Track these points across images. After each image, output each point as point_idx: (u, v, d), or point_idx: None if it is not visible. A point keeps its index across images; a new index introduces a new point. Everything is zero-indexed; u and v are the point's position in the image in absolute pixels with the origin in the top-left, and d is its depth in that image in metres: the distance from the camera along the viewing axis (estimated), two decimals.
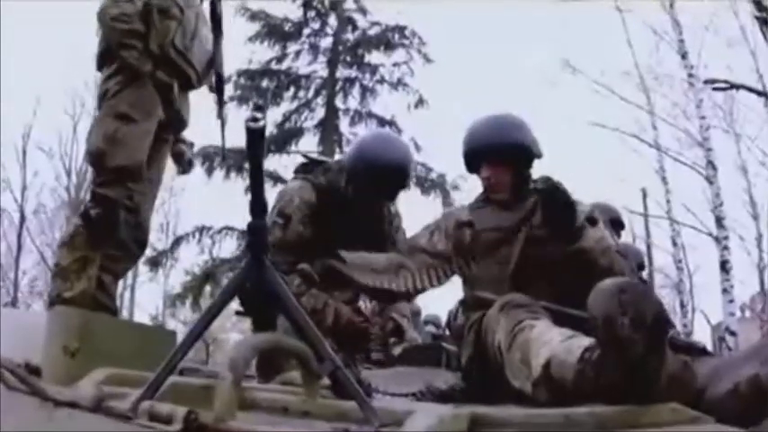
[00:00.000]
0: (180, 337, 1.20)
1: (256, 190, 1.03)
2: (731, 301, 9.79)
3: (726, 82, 8.55)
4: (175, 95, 2.59)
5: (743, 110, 13.26)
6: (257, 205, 1.02)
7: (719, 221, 10.10)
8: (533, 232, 2.03)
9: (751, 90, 8.11)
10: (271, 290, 1.02)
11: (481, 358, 1.73)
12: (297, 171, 2.79)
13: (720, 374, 1.24)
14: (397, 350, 2.79)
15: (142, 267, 15.99)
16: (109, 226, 2.46)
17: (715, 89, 8.45)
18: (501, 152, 2.12)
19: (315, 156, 3.41)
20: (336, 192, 2.63)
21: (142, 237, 2.65)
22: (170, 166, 2.81)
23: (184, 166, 2.87)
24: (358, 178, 2.58)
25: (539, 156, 2.17)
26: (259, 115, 0.95)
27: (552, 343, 1.36)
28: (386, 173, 2.55)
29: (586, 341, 1.27)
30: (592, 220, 2.01)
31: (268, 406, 1.19)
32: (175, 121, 2.67)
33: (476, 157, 2.16)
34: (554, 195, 1.84)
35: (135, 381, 1.18)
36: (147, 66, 2.45)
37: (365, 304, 2.85)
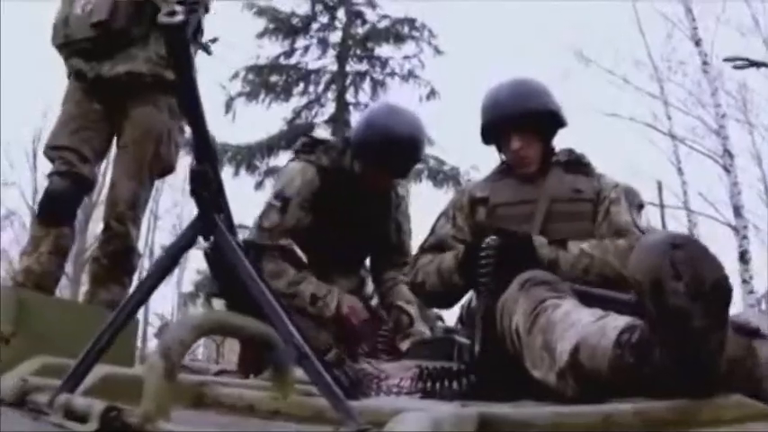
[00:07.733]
0: None
1: (195, 120, 0.79)
2: (751, 292, 9.43)
3: (745, 59, 8.19)
4: None
5: (756, 99, 12.90)
6: (201, 144, 0.79)
7: (737, 210, 9.76)
8: (556, 207, 1.82)
9: None
10: (221, 255, 0.80)
11: (496, 346, 1.45)
12: (297, 151, 2.54)
13: None
14: (404, 345, 2.55)
15: None
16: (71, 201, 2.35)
17: (735, 68, 8.09)
18: (532, 121, 1.90)
19: (316, 135, 3.17)
20: (341, 173, 2.40)
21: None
22: None
23: None
24: (366, 152, 2.36)
25: (566, 124, 1.98)
26: (178, 8, 0.69)
27: (581, 324, 1.10)
28: (398, 145, 2.32)
29: (623, 320, 1.03)
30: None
31: (231, 404, 0.98)
32: None
33: (502, 127, 1.93)
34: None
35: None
36: None
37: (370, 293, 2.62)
